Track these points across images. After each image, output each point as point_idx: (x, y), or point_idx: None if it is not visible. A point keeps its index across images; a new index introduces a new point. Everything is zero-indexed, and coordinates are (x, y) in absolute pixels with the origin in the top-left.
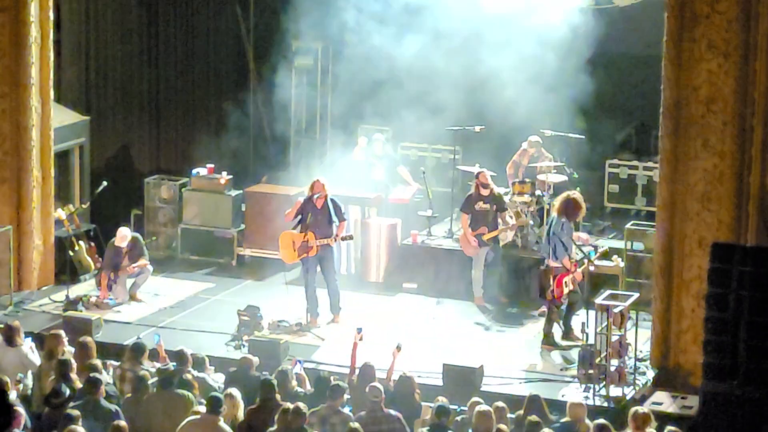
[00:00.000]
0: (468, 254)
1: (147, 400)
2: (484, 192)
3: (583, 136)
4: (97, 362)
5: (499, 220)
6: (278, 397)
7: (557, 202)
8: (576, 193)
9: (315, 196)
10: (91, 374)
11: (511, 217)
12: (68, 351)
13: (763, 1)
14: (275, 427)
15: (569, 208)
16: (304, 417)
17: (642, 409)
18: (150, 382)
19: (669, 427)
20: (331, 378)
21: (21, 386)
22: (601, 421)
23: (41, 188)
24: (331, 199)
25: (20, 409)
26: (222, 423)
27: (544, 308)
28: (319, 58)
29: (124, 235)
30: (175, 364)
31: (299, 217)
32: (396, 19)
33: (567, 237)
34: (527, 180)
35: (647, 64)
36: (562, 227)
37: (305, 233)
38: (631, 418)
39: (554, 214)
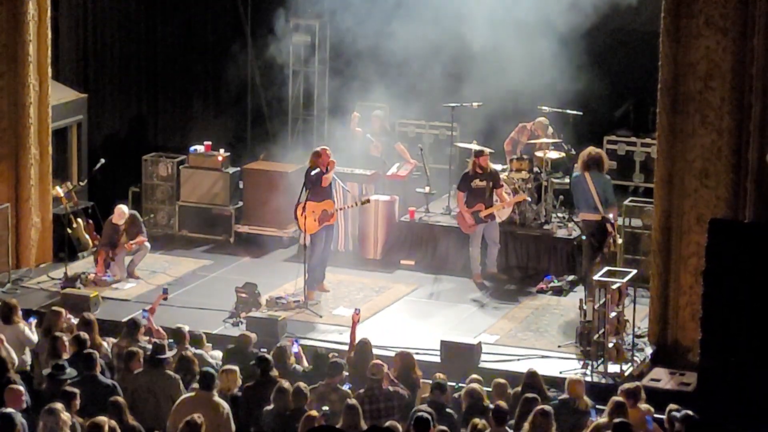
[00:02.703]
0: (465, 232)
1: (134, 378)
2: (481, 170)
3: (580, 113)
4: (86, 336)
5: (495, 197)
6: (275, 373)
7: (582, 159)
8: (596, 149)
9: (314, 171)
10: (86, 350)
11: (508, 193)
12: (73, 325)
13: None
14: (272, 406)
15: (598, 161)
16: (305, 398)
17: (630, 385)
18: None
19: (671, 405)
20: (330, 355)
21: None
22: (619, 398)
23: (39, 166)
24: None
25: (21, 388)
26: (217, 398)
27: (542, 285)
28: (317, 35)
29: (121, 213)
30: (171, 340)
31: (305, 187)
32: None
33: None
34: (525, 157)
35: (645, 39)
36: (604, 180)
37: (320, 202)
38: (622, 394)
39: (580, 171)
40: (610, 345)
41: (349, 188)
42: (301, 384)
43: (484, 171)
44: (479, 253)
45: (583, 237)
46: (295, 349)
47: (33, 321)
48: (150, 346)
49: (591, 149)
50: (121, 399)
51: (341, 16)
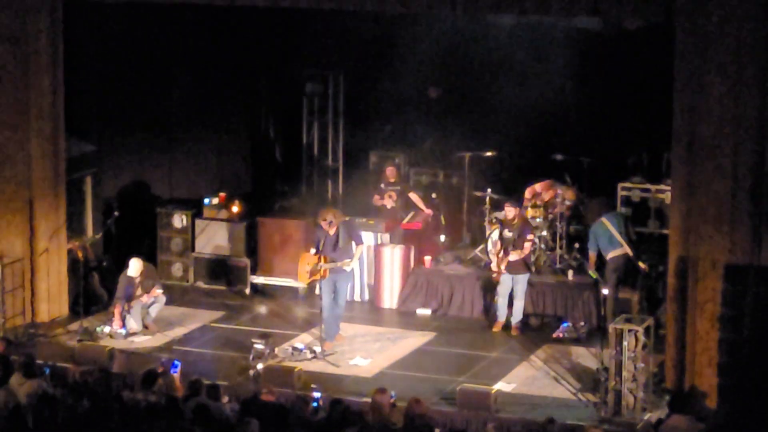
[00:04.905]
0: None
1: (151, 430)
2: (510, 220)
3: (594, 160)
4: (102, 389)
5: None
6: (291, 425)
7: (591, 210)
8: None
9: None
10: (102, 403)
11: (530, 243)
12: (89, 378)
13: None
14: None
15: (602, 205)
16: None
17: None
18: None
19: None
20: (347, 404)
21: None
22: None
23: (54, 219)
24: (345, 224)
25: None
26: None
27: (559, 333)
28: (331, 85)
29: (136, 266)
30: (187, 393)
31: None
32: (406, 47)
33: None
34: (539, 203)
35: (658, 86)
36: (620, 216)
37: (318, 257)
38: None
39: (596, 218)
40: (627, 392)
41: (364, 239)
42: None
43: (513, 220)
44: (504, 303)
45: (599, 282)
46: (315, 401)
47: (47, 374)
48: (166, 398)
49: (593, 201)
50: None
51: (355, 66)
